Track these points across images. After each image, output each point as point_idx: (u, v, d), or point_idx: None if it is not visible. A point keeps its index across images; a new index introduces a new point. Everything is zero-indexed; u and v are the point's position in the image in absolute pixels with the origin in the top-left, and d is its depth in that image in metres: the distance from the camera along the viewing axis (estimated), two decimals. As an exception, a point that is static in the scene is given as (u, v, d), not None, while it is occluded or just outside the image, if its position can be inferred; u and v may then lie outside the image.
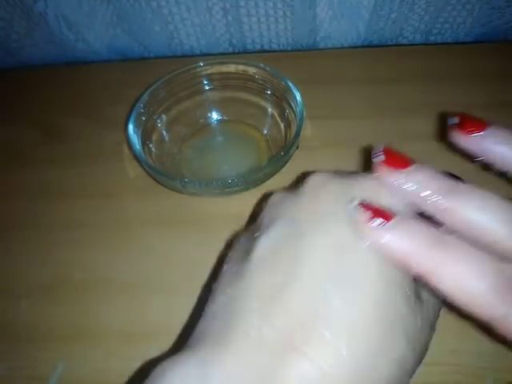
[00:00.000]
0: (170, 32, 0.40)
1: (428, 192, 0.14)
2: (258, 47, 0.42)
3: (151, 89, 0.31)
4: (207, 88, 0.33)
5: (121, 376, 0.22)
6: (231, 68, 0.33)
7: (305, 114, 0.29)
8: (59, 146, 0.34)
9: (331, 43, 0.42)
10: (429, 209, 0.14)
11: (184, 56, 0.42)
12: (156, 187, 0.30)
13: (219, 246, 0.27)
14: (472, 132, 0.15)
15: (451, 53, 0.38)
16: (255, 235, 0.16)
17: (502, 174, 0.15)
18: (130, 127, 0.29)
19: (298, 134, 0.28)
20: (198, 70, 0.33)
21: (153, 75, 0.32)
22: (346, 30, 0.40)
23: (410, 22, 0.39)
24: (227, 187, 0.27)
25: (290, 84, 0.30)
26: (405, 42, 0.41)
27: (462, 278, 0.13)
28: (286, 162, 0.29)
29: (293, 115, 0.30)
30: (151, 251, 0.28)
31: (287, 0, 0.37)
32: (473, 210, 0.13)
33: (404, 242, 0.13)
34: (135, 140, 0.29)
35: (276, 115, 0.32)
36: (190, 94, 0.33)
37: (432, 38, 0.41)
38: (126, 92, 0.35)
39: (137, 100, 0.30)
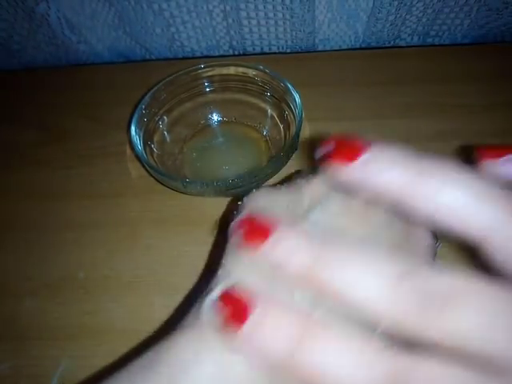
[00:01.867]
0: (171, 34, 0.40)
1: (293, 264, 0.12)
2: (257, 49, 0.42)
3: (153, 90, 0.31)
4: (208, 90, 0.34)
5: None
6: (231, 70, 0.33)
7: (304, 115, 0.29)
8: (61, 147, 0.35)
9: (330, 45, 0.42)
10: (296, 285, 0.12)
11: (185, 58, 0.43)
12: (157, 187, 0.30)
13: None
14: (348, 160, 0.12)
15: (449, 55, 0.39)
16: None
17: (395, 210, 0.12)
18: (132, 128, 0.29)
19: (297, 135, 0.28)
20: (199, 72, 0.33)
21: (154, 77, 0.33)
22: (344, 32, 0.41)
23: (407, 24, 0.40)
24: (228, 187, 0.27)
25: (290, 86, 0.30)
26: (403, 43, 0.42)
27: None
28: (286, 163, 0.29)
29: (292, 117, 0.30)
30: (153, 250, 0.28)
31: (287, 3, 0.37)
32: (344, 277, 0.11)
33: (265, 343, 0.11)
34: (137, 141, 0.29)
35: (275, 117, 0.33)
36: (191, 95, 0.33)
37: (430, 40, 0.41)
38: (127, 94, 0.35)
39: (138, 101, 0.31)
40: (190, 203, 0.30)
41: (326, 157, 0.12)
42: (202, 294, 0.14)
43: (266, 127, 0.33)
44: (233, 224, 0.13)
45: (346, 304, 0.11)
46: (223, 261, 0.14)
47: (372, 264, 0.11)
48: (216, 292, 0.12)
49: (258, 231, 0.12)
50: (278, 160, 0.28)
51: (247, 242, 0.13)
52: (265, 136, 0.33)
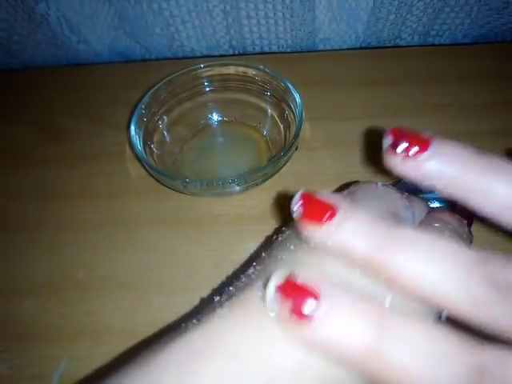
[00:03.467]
0: (171, 34, 0.40)
1: (358, 248, 0.11)
2: (257, 49, 0.42)
3: (152, 90, 0.31)
4: (208, 89, 0.34)
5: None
6: (231, 70, 0.33)
7: (304, 115, 0.29)
8: (61, 147, 0.35)
9: (330, 45, 0.42)
10: (362, 268, 0.11)
11: (185, 58, 0.43)
12: (157, 187, 0.30)
13: (219, 245, 0.27)
14: (410, 153, 0.12)
15: (449, 54, 0.39)
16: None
17: (452, 203, 0.12)
18: (132, 128, 0.29)
19: (297, 135, 0.28)
20: (199, 71, 0.33)
21: (154, 77, 0.33)
22: (344, 31, 0.40)
23: (408, 24, 0.39)
24: (227, 187, 0.27)
25: (290, 85, 0.30)
26: (403, 43, 0.42)
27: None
28: (286, 163, 0.29)
29: (292, 116, 0.30)
30: (153, 251, 0.28)
31: (287, 2, 0.37)
32: (417, 262, 0.11)
33: (330, 340, 0.10)
34: (137, 141, 0.29)
35: (276, 116, 0.33)
36: (191, 95, 0.33)
37: (430, 40, 0.41)
38: (127, 93, 0.35)
39: (138, 101, 0.31)
40: (190, 203, 0.30)
41: (387, 151, 0.12)
42: (253, 280, 0.13)
43: (266, 127, 0.33)
44: (292, 203, 0.12)
45: (416, 291, 0.11)
46: (278, 247, 0.13)
47: (444, 250, 0.11)
48: (276, 280, 0.11)
49: (320, 209, 0.12)
50: (278, 160, 0.28)
51: (308, 221, 0.12)
52: (265, 136, 0.33)
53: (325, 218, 0.12)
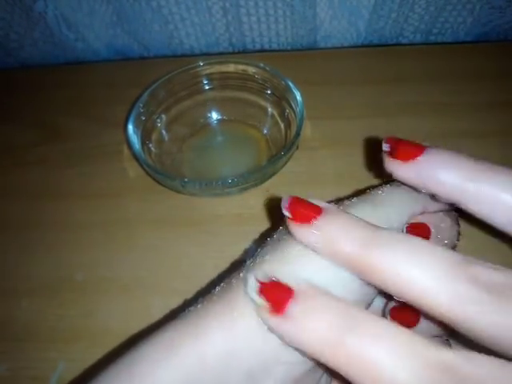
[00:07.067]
0: (169, 31, 0.40)
1: (342, 247, 0.12)
2: (257, 47, 0.42)
3: (151, 88, 0.31)
4: (207, 88, 0.33)
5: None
6: (231, 68, 0.33)
7: (305, 113, 0.29)
8: (58, 146, 0.34)
9: (331, 43, 0.42)
10: (347, 266, 0.12)
11: (184, 55, 0.42)
12: (156, 187, 0.30)
13: (219, 245, 0.27)
14: (407, 158, 0.13)
15: (451, 53, 0.38)
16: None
17: (451, 207, 0.13)
18: (130, 127, 0.29)
19: (297, 134, 0.28)
20: (198, 69, 0.33)
21: (152, 75, 0.32)
22: (346, 29, 0.40)
23: (410, 22, 0.39)
24: (227, 187, 0.27)
25: (290, 84, 0.30)
26: (405, 41, 0.41)
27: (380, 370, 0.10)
28: (286, 162, 0.29)
29: (293, 115, 0.30)
30: (151, 251, 0.27)
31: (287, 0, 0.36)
32: (397, 263, 0.11)
33: (302, 335, 0.11)
34: (135, 140, 0.29)
35: (276, 115, 0.32)
36: (190, 93, 0.33)
37: (432, 38, 0.41)
38: (125, 92, 0.35)
39: (136, 100, 0.30)
40: (189, 203, 0.29)
41: (386, 156, 0.14)
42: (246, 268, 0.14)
43: (267, 126, 0.33)
44: (282, 204, 0.13)
45: (397, 288, 0.11)
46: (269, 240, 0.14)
47: (428, 250, 0.11)
48: (255, 278, 0.12)
49: (309, 210, 0.13)
50: (278, 159, 0.27)
51: (295, 221, 0.13)
52: (265, 135, 0.33)
53: (311, 219, 0.12)
